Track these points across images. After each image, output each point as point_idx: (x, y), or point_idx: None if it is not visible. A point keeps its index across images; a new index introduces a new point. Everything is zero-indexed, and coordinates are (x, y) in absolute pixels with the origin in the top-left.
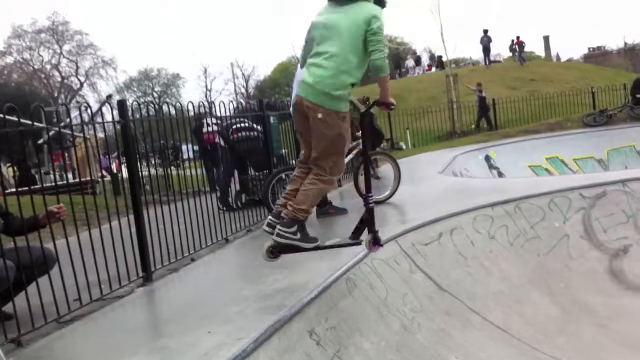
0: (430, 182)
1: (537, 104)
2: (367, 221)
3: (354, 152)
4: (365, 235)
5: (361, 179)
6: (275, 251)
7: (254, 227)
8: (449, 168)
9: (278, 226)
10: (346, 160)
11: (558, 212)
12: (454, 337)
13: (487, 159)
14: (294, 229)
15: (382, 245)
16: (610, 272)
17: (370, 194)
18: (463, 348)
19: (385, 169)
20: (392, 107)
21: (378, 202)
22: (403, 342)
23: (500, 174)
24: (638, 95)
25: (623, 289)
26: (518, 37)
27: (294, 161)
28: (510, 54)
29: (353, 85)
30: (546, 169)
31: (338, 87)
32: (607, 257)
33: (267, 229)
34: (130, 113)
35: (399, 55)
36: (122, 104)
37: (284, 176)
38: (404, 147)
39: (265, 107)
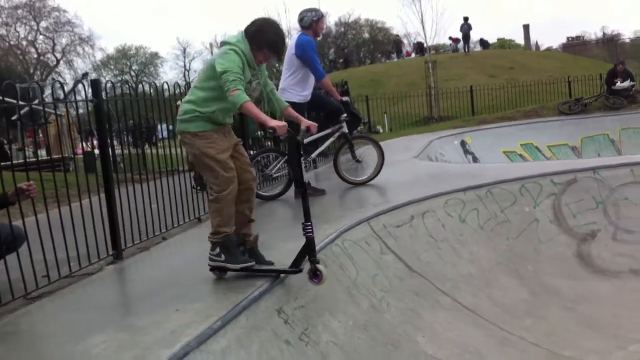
0: (405, 166)
1: (514, 91)
2: (307, 251)
3: (335, 134)
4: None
5: (342, 159)
6: (215, 271)
7: None
8: (425, 152)
9: (209, 251)
10: (327, 143)
11: (529, 197)
12: (422, 317)
13: (463, 144)
14: (217, 251)
15: (321, 281)
16: (578, 256)
17: (308, 223)
18: (431, 328)
19: (364, 152)
20: (273, 131)
21: (358, 184)
22: (371, 321)
23: (475, 159)
24: (613, 86)
25: (590, 272)
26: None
27: (269, 143)
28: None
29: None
30: (520, 155)
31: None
32: (576, 241)
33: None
34: (104, 92)
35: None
36: (95, 83)
37: (259, 159)
38: (380, 130)
39: None
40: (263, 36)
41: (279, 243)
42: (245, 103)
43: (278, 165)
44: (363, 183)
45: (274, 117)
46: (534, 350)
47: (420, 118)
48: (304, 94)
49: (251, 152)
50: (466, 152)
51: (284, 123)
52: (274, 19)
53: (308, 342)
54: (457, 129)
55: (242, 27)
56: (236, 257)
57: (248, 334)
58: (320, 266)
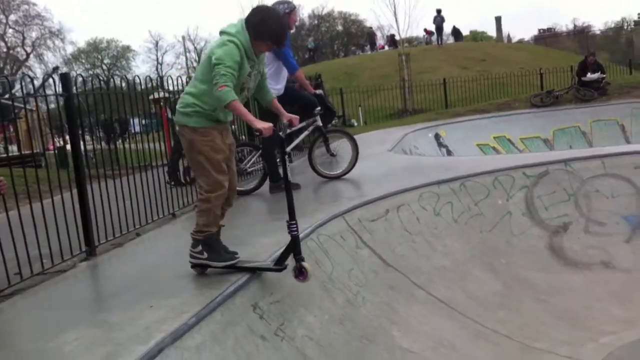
0: (379, 159)
1: (487, 83)
2: (291, 248)
3: (310, 128)
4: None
5: (316, 152)
6: (196, 267)
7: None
8: (399, 146)
9: (190, 247)
10: (301, 137)
11: (502, 190)
12: (397, 310)
13: (437, 137)
14: (199, 249)
15: (306, 278)
16: (551, 248)
17: (293, 221)
18: (406, 321)
19: (338, 146)
20: (259, 133)
21: (333, 178)
22: (347, 316)
23: (449, 152)
24: (583, 78)
25: (562, 264)
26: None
27: (244, 137)
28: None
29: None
30: (494, 148)
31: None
32: (548, 234)
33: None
34: (74, 86)
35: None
36: (65, 77)
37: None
38: (355, 124)
39: None
40: (266, 27)
41: (254, 238)
42: (233, 102)
43: (253, 159)
44: (338, 177)
45: (260, 107)
46: (507, 342)
47: (394, 111)
48: (277, 88)
49: None
50: (440, 145)
51: (269, 125)
52: (274, 8)
53: (283, 337)
54: (431, 122)
55: (243, 17)
56: (219, 254)
57: (223, 329)
58: (305, 264)
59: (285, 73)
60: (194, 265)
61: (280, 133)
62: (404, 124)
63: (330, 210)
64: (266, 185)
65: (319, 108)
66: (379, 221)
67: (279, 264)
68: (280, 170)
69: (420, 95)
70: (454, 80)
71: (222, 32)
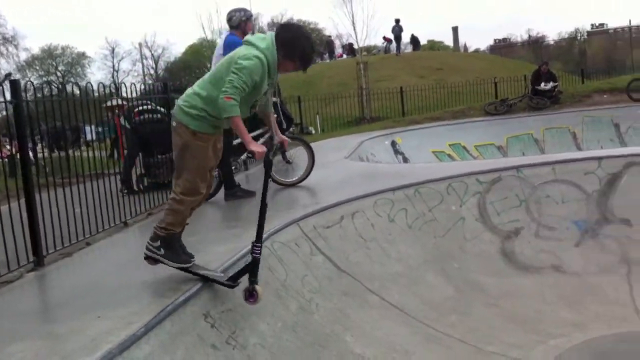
0: (336, 166)
1: (443, 92)
2: (248, 270)
3: (266, 136)
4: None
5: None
6: (149, 260)
7: (156, 211)
8: (356, 153)
9: (148, 239)
10: (259, 142)
11: (455, 196)
12: (350, 316)
13: (393, 144)
14: (157, 244)
15: (256, 301)
16: (502, 253)
17: (259, 244)
18: (359, 327)
19: (294, 153)
20: (252, 155)
21: (288, 185)
22: (300, 323)
23: (405, 159)
24: (537, 87)
25: (513, 268)
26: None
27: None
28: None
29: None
30: (449, 155)
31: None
32: (500, 239)
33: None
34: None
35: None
36: (14, 84)
37: None
38: (313, 131)
39: (170, 90)
40: (297, 45)
41: (209, 246)
42: (236, 117)
43: None
44: (294, 184)
45: (255, 115)
46: (459, 346)
47: (352, 119)
48: None
49: None
50: (396, 152)
51: (263, 148)
52: (304, 26)
53: (235, 345)
54: (387, 130)
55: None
56: (177, 255)
57: (173, 339)
58: (258, 287)
59: None
60: (147, 257)
61: (270, 154)
62: (361, 131)
63: (285, 218)
64: (221, 193)
65: (275, 115)
66: (334, 228)
67: (232, 280)
68: (261, 188)
69: (377, 103)
70: (411, 88)
71: (250, 44)
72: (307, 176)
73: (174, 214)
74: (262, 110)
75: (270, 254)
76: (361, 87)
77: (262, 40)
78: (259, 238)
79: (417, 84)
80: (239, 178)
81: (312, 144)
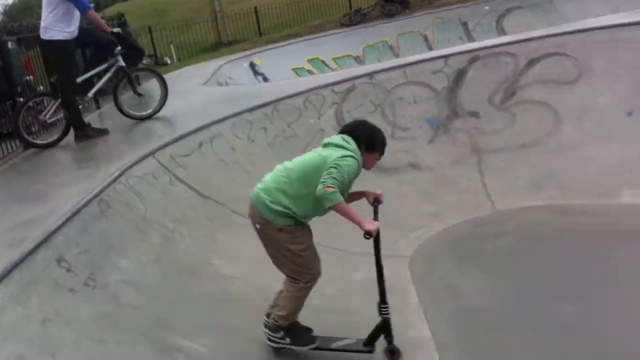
0: (193, 94)
1: (298, 8)
2: (382, 330)
3: (112, 69)
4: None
5: (123, 95)
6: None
7: (1, 162)
8: (214, 79)
9: (267, 330)
10: (103, 80)
11: (313, 109)
12: (217, 240)
13: (252, 66)
14: (281, 334)
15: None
16: None
17: (384, 304)
18: (226, 249)
19: (146, 85)
20: (369, 236)
21: (144, 119)
22: (165, 254)
23: (265, 80)
24: None
25: (373, 171)
26: None
27: (42, 87)
28: None
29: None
30: (308, 70)
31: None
32: None
33: (263, 329)
34: None
35: None
36: None
37: (32, 104)
38: (169, 62)
39: (2, 32)
40: (377, 139)
41: (59, 189)
42: (340, 204)
43: (52, 110)
44: (149, 117)
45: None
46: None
47: (209, 45)
48: (69, 31)
49: (20, 100)
50: (256, 73)
51: (376, 225)
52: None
53: (95, 286)
54: (245, 52)
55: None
56: (302, 338)
57: (23, 289)
58: (397, 345)
59: (77, 14)
60: (275, 348)
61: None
62: (220, 56)
63: (140, 151)
64: (71, 135)
65: (119, 48)
66: (193, 155)
67: (369, 345)
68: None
69: (233, 26)
70: (266, 7)
71: (338, 146)
72: (161, 107)
73: (296, 301)
74: None
75: (127, 190)
76: (215, 11)
77: (344, 141)
78: (382, 299)
79: (271, 2)
80: (90, 117)
81: (170, 74)
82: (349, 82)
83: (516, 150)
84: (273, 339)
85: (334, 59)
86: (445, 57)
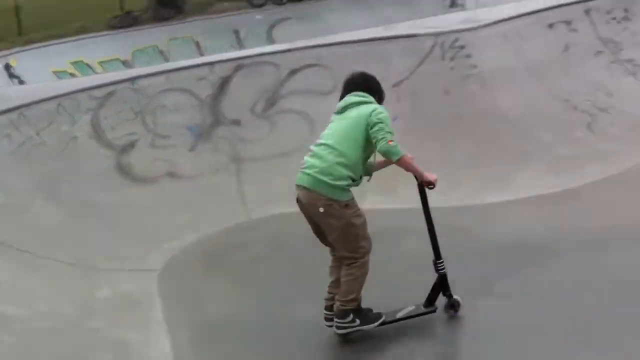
0: None
1: (64, 7)
2: (441, 287)
3: None
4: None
5: None
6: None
7: None
8: None
9: (335, 319)
10: None
11: (66, 115)
12: None
13: (7, 67)
14: (350, 318)
15: (458, 310)
16: (118, 167)
17: (439, 260)
18: None
19: None
20: (432, 186)
21: None
22: None
23: (21, 83)
24: None
25: (130, 182)
26: None
27: None
28: None
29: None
30: (71, 74)
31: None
32: (115, 153)
33: (327, 323)
34: None
35: None
36: None
37: None
38: None
39: None
40: (382, 89)
41: None
42: (404, 157)
43: None
44: None
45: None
46: (70, 270)
47: None
48: None
49: None
50: (12, 76)
51: (435, 176)
52: None
53: None
54: (2, 52)
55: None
56: (369, 317)
57: None
58: (457, 297)
59: None
60: (344, 334)
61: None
62: None
63: None
64: None
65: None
66: None
67: (430, 305)
68: None
69: None
70: (30, 5)
71: (365, 102)
72: None
73: (359, 281)
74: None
75: None
76: None
77: (366, 96)
78: (438, 256)
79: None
80: None
81: None
82: (108, 87)
83: (275, 158)
84: (342, 325)
85: (100, 63)
86: (210, 64)
